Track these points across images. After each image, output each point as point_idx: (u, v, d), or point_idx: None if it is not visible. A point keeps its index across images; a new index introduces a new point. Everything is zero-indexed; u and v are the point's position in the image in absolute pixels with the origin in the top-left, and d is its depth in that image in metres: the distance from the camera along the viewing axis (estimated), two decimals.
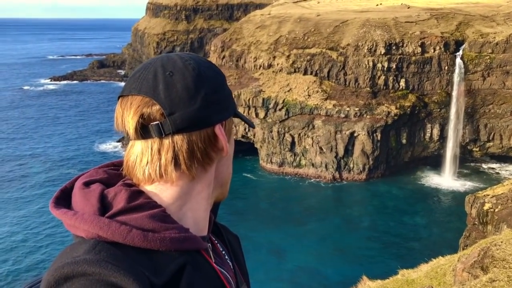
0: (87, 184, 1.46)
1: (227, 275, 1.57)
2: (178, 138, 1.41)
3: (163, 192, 1.46)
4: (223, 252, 1.69)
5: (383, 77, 54.42)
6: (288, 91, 56.35)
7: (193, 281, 1.37)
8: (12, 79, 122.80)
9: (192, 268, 1.38)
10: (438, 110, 55.02)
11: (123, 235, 1.29)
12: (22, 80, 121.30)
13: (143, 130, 1.40)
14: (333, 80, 56.00)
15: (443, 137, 55.30)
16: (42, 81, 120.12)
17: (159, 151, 1.41)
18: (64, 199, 1.46)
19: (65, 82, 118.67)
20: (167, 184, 1.45)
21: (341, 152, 52.90)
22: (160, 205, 1.43)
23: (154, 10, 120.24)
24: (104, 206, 1.38)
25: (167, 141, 1.41)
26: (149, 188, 1.47)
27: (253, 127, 1.81)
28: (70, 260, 1.20)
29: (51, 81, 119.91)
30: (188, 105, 1.41)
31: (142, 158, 1.43)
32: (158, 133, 1.39)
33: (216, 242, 1.69)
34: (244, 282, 1.73)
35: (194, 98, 1.42)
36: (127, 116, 1.41)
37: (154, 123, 1.39)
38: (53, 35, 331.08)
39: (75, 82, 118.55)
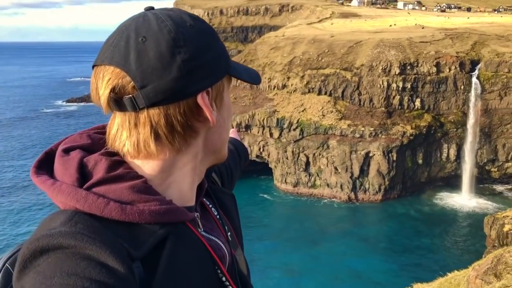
0: (67, 150, 1.38)
1: (217, 241, 1.49)
2: (154, 112, 1.29)
3: (145, 164, 1.36)
4: (218, 216, 1.60)
5: (398, 97, 54.20)
6: (303, 111, 56.42)
7: (176, 252, 1.29)
8: (32, 101, 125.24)
9: (175, 238, 1.31)
10: (455, 130, 54.44)
11: (100, 208, 1.22)
12: (41, 102, 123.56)
13: (117, 104, 1.29)
14: (348, 100, 55.94)
15: (460, 157, 54.55)
16: (60, 103, 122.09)
17: (136, 126, 1.31)
18: (48, 163, 1.38)
19: (82, 104, 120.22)
20: (149, 159, 1.35)
21: (356, 172, 52.47)
22: (141, 176, 1.33)
23: None
24: (83, 176, 1.30)
25: (142, 116, 1.29)
26: (131, 159, 1.37)
27: (257, 83, 1.57)
28: (46, 232, 1.15)
29: (68, 103, 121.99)
30: (162, 76, 1.26)
31: (122, 131, 1.34)
32: (132, 107, 1.28)
33: (210, 206, 1.61)
34: (238, 245, 1.65)
35: (169, 67, 1.27)
36: (100, 89, 1.30)
37: (127, 97, 1.27)
38: (72, 58, 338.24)
39: (91, 103, 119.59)
